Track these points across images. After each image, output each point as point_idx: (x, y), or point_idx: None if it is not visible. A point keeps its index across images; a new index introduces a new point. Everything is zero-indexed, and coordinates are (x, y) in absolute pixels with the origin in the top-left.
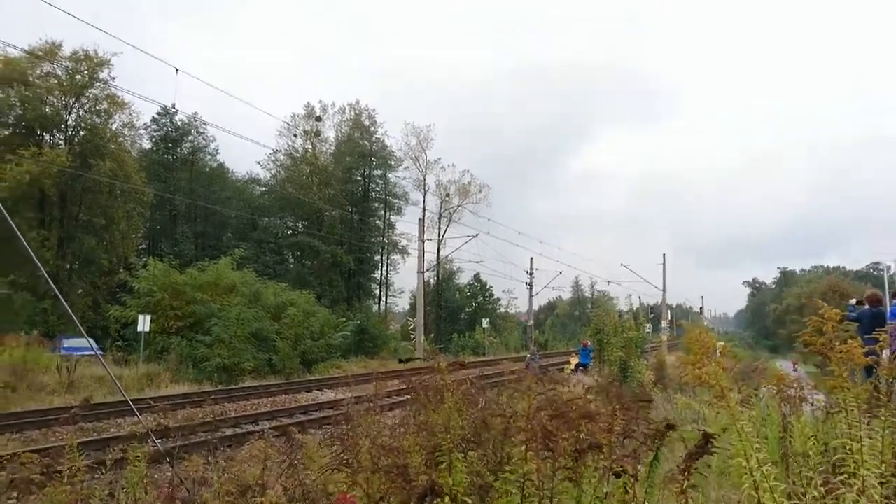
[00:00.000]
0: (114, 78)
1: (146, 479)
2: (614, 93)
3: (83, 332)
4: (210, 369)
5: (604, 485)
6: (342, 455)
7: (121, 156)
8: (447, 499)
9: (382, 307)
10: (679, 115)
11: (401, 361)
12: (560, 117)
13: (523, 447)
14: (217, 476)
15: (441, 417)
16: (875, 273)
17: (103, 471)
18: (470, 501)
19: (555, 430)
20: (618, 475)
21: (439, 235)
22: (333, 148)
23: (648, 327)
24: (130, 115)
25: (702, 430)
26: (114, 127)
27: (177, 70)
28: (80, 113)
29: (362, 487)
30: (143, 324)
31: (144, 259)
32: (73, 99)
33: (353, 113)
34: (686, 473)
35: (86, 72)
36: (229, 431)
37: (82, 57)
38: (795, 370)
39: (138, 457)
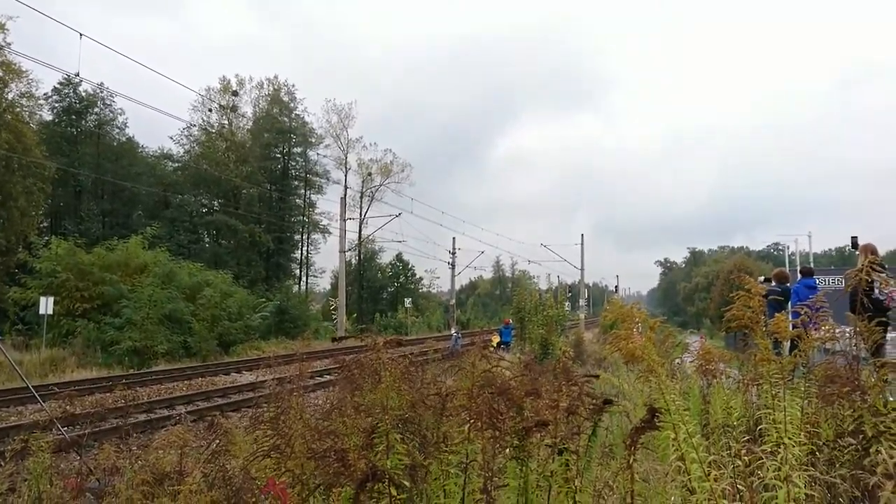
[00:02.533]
0: (9, 43)
1: (52, 469)
2: (540, 77)
3: None
4: (120, 353)
5: (550, 462)
6: (272, 439)
7: (18, 127)
8: (387, 482)
9: (303, 287)
10: (602, 100)
11: (334, 340)
12: (486, 101)
13: (465, 427)
14: (130, 464)
15: (378, 397)
16: (776, 253)
17: (1, 463)
18: (408, 484)
19: (500, 408)
20: (560, 452)
21: (361, 215)
22: (251, 124)
23: (567, 305)
24: (29, 83)
25: (647, 405)
26: (10, 96)
27: (80, 35)
28: None
29: (294, 474)
30: (46, 306)
31: (46, 238)
32: None
33: (271, 88)
34: (632, 448)
35: None
36: (143, 417)
37: None
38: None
39: (41, 446)
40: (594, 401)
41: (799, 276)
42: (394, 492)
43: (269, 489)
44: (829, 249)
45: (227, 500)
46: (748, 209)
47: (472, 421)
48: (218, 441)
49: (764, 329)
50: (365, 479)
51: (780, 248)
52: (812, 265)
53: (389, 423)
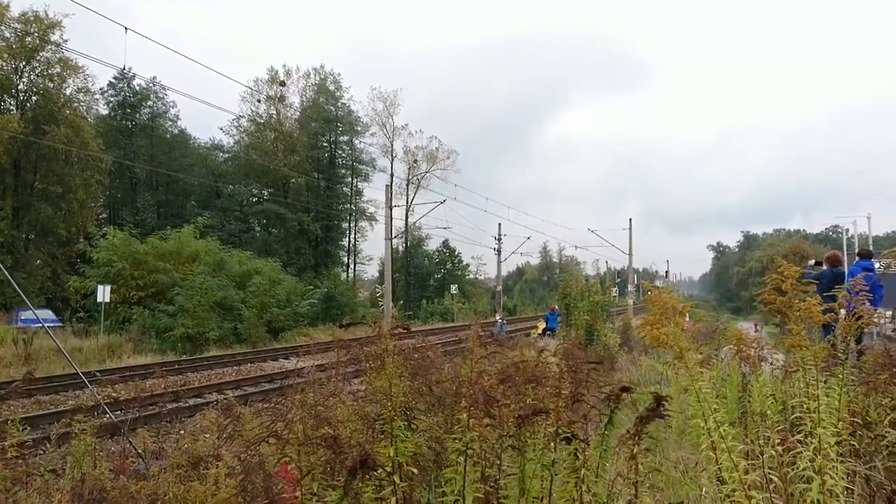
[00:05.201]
0: (66, 40)
1: (97, 452)
2: (592, 63)
3: (28, 302)
4: (174, 339)
5: (550, 452)
6: (272, 426)
7: (76, 122)
8: (383, 471)
9: (351, 275)
10: (654, 85)
11: (341, 327)
12: (536, 88)
13: (464, 415)
14: (174, 447)
15: (383, 384)
16: (834, 236)
17: (48, 445)
18: (416, 471)
19: (500, 395)
20: (568, 441)
21: (407, 202)
22: (298, 114)
23: (615, 291)
24: (85, 79)
25: (653, 393)
26: (68, 92)
27: (125, 29)
28: (32, 77)
29: (294, 460)
30: (103, 294)
31: (104, 228)
32: (24, 62)
33: (318, 78)
34: (636, 438)
35: (36, 34)
36: (192, 401)
37: (32, 18)
38: (757, 330)
39: (84, 430)
40: (601, 388)
41: (856, 258)
42: (397, 479)
43: (281, 475)
44: (893, 231)
45: (248, 484)
46: (805, 191)
47: (469, 409)
48: (234, 426)
49: (797, 314)
50: (355, 466)
51: (839, 230)
52: (871, 247)
53: (394, 410)
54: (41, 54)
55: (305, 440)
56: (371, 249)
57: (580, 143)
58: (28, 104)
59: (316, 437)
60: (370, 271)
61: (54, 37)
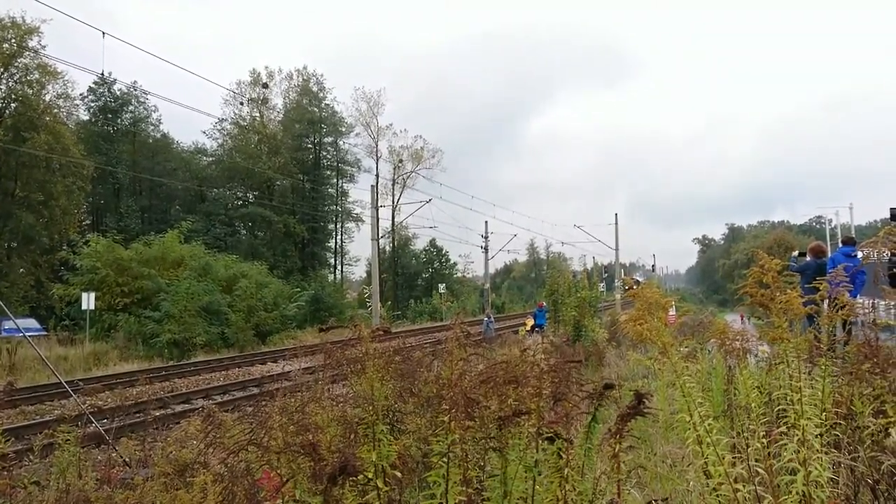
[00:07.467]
0: (44, 46)
1: (82, 462)
2: (575, 58)
3: (7, 311)
4: (160, 345)
5: (532, 452)
6: (253, 433)
7: (57, 128)
8: (364, 476)
9: (338, 276)
10: (640, 78)
11: (321, 330)
12: (522, 82)
13: (446, 417)
14: (158, 456)
15: (364, 388)
16: (818, 226)
17: (31, 456)
18: (399, 475)
19: (482, 396)
20: (552, 440)
21: (393, 202)
22: (282, 115)
23: (602, 286)
24: (65, 84)
25: (634, 390)
26: (47, 98)
27: (103, 34)
28: (10, 84)
29: (275, 467)
30: (88, 301)
31: (88, 235)
32: (2, 69)
33: (300, 79)
34: (618, 436)
35: (13, 40)
36: (179, 408)
37: (9, 24)
38: (743, 322)
39: (68, 440)
40: (583, 386)
41: (840, 245)
42: (380, 484)
43: (263, 482)
44: (875, 221)
45: (233, 491)
46: (789, 183)
47: (450, 410)
48: (215, 433)
49: (779, 306)
50: (334, 473)
51: (822, 221)
52: (854, 237)
53: (376, 414)
54: (19, 60)
55: (286, 447)
56: (358, 250)
57: (566, 138)
58: (7, 111)
59: (296, 443)
60: (357, 272)
61: (32, 42)
